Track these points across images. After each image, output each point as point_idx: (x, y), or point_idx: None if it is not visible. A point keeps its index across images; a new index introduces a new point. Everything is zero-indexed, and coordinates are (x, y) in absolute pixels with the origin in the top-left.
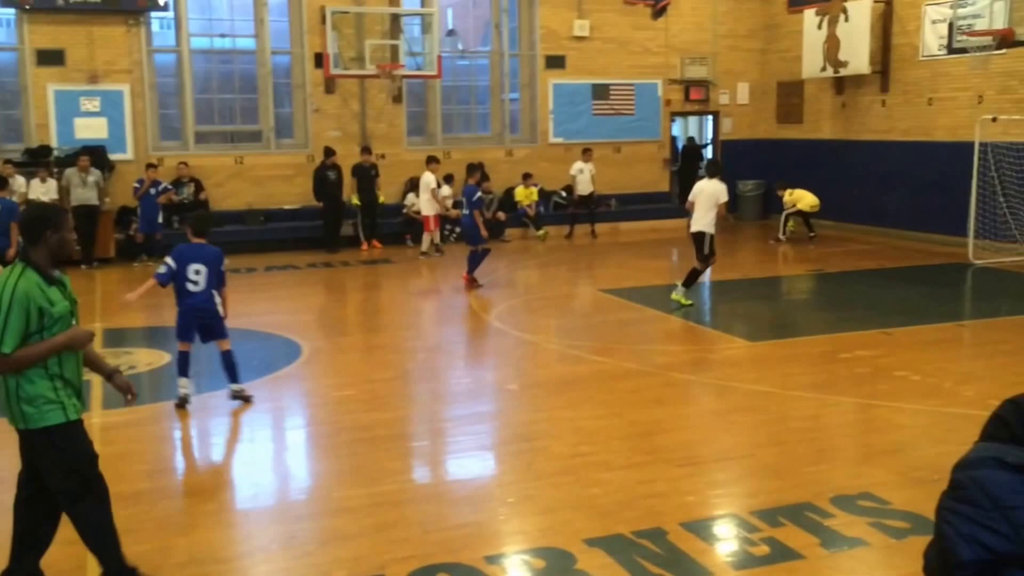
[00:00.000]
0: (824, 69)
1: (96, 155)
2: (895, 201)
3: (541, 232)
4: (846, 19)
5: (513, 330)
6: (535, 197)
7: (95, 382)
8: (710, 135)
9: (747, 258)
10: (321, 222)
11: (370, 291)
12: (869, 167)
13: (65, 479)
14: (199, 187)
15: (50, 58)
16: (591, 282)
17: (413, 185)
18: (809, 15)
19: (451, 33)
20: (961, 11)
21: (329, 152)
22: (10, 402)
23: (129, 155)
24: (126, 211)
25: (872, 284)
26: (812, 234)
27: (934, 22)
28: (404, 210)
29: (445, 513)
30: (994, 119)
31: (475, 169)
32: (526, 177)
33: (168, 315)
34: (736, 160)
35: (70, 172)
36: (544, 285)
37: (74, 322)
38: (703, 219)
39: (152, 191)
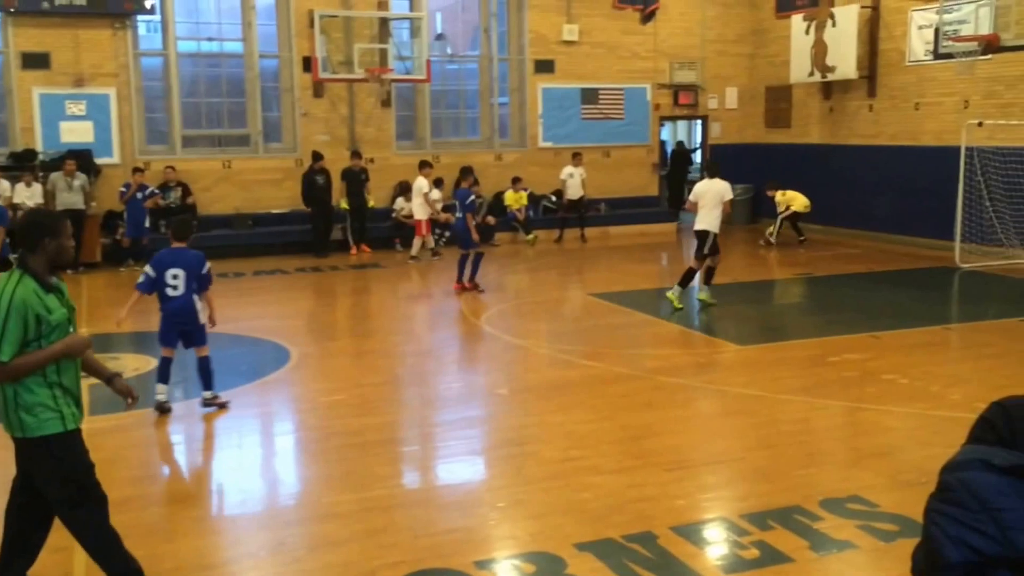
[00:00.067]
0: (812, 74)
1: (82, 159)
2: (883, 205)
3: (531, 236)
4: (833, 24)
5: (503, 334)
6: (524, 201)
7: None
8: (699, 139)
9: (736, 262)
10: (310, 226)
11: (359, 295)
12: (857, 171)
13: (62, 488)
14: (186, 191)
15: (35, 61)
16: (581, 286)
17: (402, 189)
18: (797, 20)
19: (440, 37)
20: (947, 17)
21: (317, 156)
22: (7, 410)
23: (115, 159)
24: (112, 215)
25: (860, 288)
26: (802, 238)
27: (920, 27)
28: (393, 214)
29: (435, 518)
30: (980, 124)
31: (468, 173)
32: (515, 181)
33: (155, 320)
34: (725, 164)
35: (55, 176)
36: (534, 289)
37: (72, 329)
38: (708, 218)
39: (139, 195)
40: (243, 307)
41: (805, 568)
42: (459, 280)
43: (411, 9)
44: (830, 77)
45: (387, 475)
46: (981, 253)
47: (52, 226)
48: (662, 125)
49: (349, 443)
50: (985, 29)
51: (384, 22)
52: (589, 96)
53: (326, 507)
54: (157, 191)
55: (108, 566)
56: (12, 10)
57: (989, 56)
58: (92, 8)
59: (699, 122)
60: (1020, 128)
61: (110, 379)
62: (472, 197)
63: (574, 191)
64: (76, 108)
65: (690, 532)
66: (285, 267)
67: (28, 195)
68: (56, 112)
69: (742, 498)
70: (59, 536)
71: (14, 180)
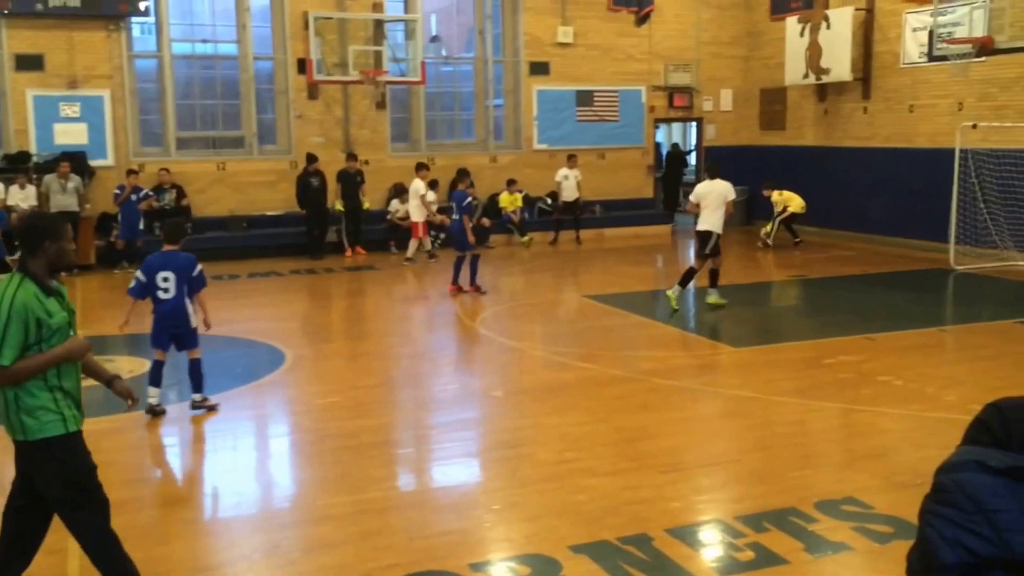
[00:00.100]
0: (806, 76)
1: (76, 161)
2: (877, 207)
3: (526, 238)
4: (828, 27)
5: (498, 336)
6: (520, 203)
7: None
8: (694, 141)
9: (731, 264)
10: (304, 228)
11: (354, 298)
12: (851, 173)
13: (64, 489)
14: (181, 193)
15: (29, 63)
16: (576, 288)
17: (397, 191)
18: (791, 22)
19: (435, 39)
20: (941, 19)
21: (312, 159)
22: (8, 413)
23: (110, 161)
24: (107, 217)
25: (855, 290)
26: (797, 240)
27: (915, 30)
28: (388, 216)
29: (430, 520)
30: (974, 126)
31: (465, 175)
32: (510, 183)
33: (149, 322)
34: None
35: (49, 178)
36: (529, 291)
37: (72, 333)
38: (711, 218)
39: (133, 197)
40: (238, 309)
41: (800, 570)
42: (454, 282)
43: (406, 11)
44: (825, 79)
45: (382, 477)
46: (975, 255)
47: (53, 229)
48: (657, 127)
49: (344, 445)
50: (979, 31)
51: (379, 24)
52: (584, 98)
53: (321, 509)
54: (152, 193)
55: (107, 569)
56: (6, 12)
57: (983, 58)
58: (86, 10)
59: (694, 124)
60: (1014, 130)
61: (110, 381)
62: (469, 199)
63: (569, 193)
64: (70, 110)
65: (685, 534)
66: (280, 269)
67: (22, 197)
68: (50, 114)
69: (737, 500)
70: (54, 538)
71: (8, 182)
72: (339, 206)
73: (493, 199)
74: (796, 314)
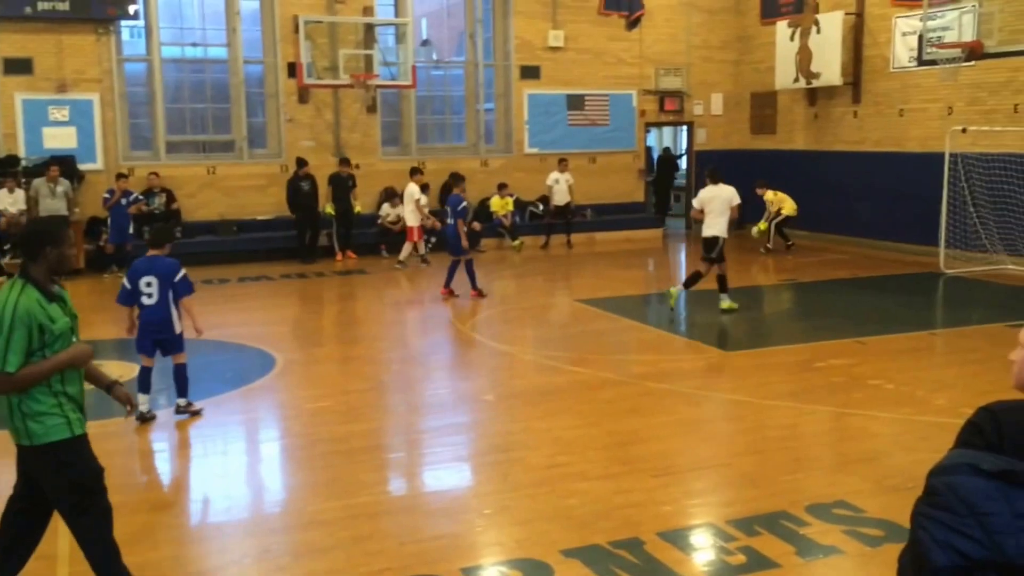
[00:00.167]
0: (797, 80)
1: (65, 165)
2: (867, 211)
3: (517, 242)
4: (818, 31)
5: (489, 341)
6: (511, 207)
7: None
8: (685, 145)
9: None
10: (295, 232)
11: (345, 302)
12: (842, 177)
13: (71, 494)
14: (171, 197)
15: (18, 67)
16: (567, 292)
17: (388, 195)
18: (781, 27)
19: (425, 43)
20: (931, 23)
21: (301, 163)
22: (13, 419)
23: (99, 165)
24: (96, 222)
25: (846, 293)
26: (789, 243)
27: (904, 34)
28: (379, 220)
29: (421, 525)
30: (964, 130)
31: (459, 180)
32: (501, 187)
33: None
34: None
35: (38, 182)
36: (520, 295)
37: (75, 338)
38: (716, 224)
39: (123, 201)
40: (228, 314)
41: (791, 573)
42: (446, 285)
43: (396, 15)
44: (815, 83)
45: (373, 482)
46: (965, 259)
47: (54, 234)
48: (648, 131)
49: (334, 450)
50: (968, 36)
51: (369, 28)
52: (575, 102)
53: (311, 514)
54: (141, 197)
55: None
56: None
57: (972, 63)
58: (75, 13)
59: (684, 128)
60: (1003, 134)
61: (110, 387)
62: (464, 204)
63: (560, 197)
64: (59, 114)
65: (677, 538)
66: (270, 273)
67: (11, 201)
68: (39, 118)
69: (729, 504)
70: (44, 544)
71: None
72: (330, 209)
73: (484, 203)
74: (787, 318)
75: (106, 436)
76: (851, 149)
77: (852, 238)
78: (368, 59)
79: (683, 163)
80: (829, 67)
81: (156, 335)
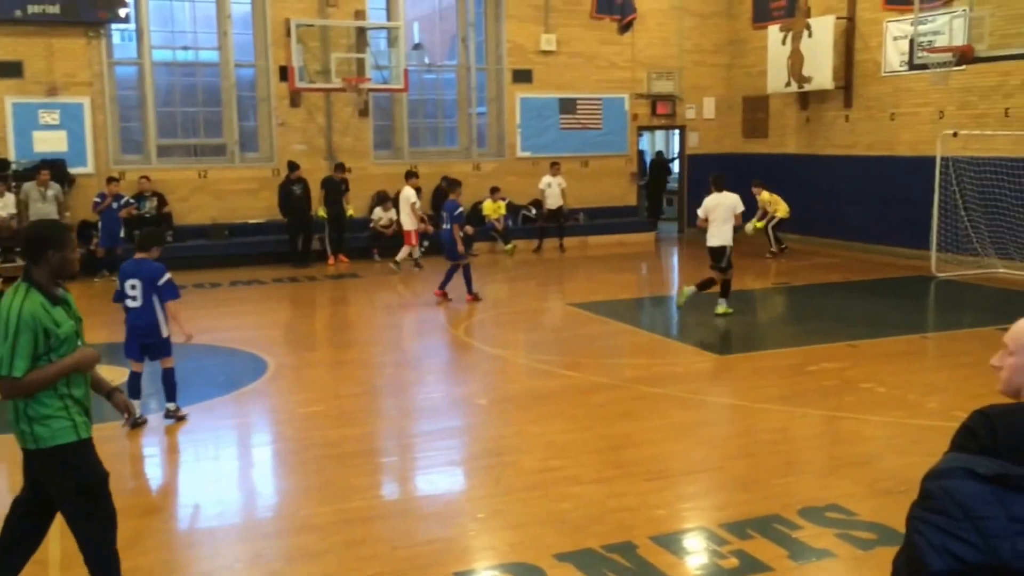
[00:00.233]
0: (788, 84)
1: (56, 169)
2: (859, 215)
3: (509, 246)
4: (810, 35)
5: (482, 344)
6: (503, 211)
7: None
8: (677, 149)
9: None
10: (287, 237)
11: (337, 306)
12: (833, 181)
13: (78, 497)
14: (162, 201)
15: (8, 70)
16: (560, 296)
17: (380, 199)
18: (773, 31)
19: (417, 47)
20: (922, 28)
21: (293, 166)
22: (19, 422)
23: (90, 169)
24: (87, 226)
25: (837, 297)
26: (783, 247)
27: (895, 39)
28: (371, 224)
29: (414, 529)
30: (955, 134)
31: (456, 185)
32: (494, 191)
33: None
34: (703, 174)
35: (29, 186)
36: (513, 299)
37: (80, 342)
38: (720, 232)
39: (114, 205)
40: (220, 318)
41: None
42: (442, 287)
43: (388, 19)
44: (807, 87)
45: (365, 486)
46: (956, 262)
47: (57, 238)
48: (640, 135)
49: (327, 454)
50: (959, 40)
51: (361, 31)
52: (567, 106)
53: (303, 519)
54: (133, 201)
55: None
56: None
57: (963, 67)
58: (66, 16)
59: (677, 132)
60: (994, 138)
61: (110, 393)
62: (460, 209)
63: (553, 201)
64: (49, 117)
65: (670, 542)
66: (262, 277)
67: (1, 206)
68: (29, 121)
69: (721, 507)
70: (38, 550)
71: None
72: (322, 213)
73: (476, 207)
74: (779, 321)
75: (98, 440)
76: (843, 153)
77: (844, 242)
78: (360, 63)
79: (675, 167)
80: (821, 71)
81: (143, 339)
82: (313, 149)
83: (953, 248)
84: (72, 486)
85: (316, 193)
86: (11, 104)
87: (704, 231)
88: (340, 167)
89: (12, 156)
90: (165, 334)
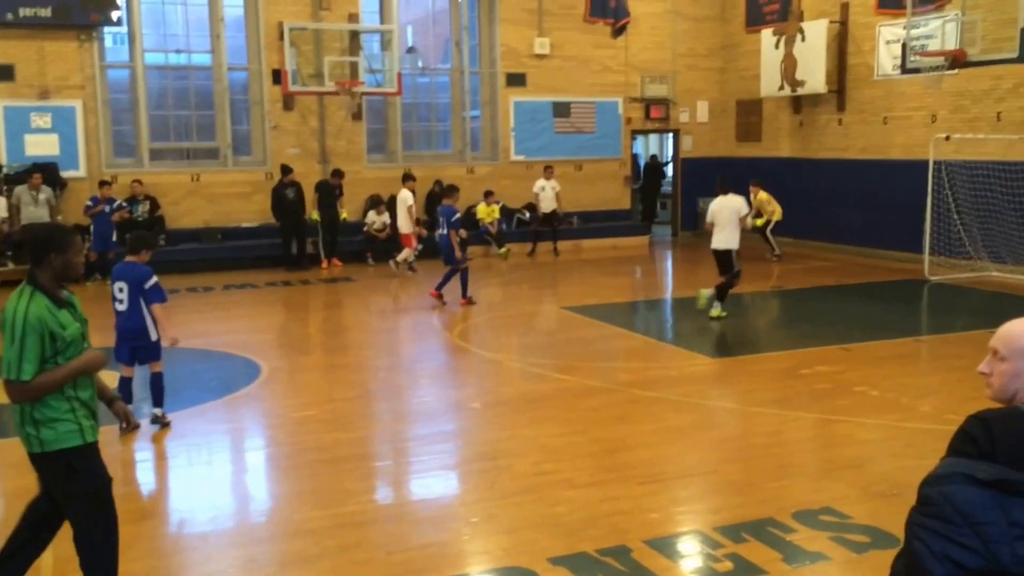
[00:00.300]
0: (782, 88)
1: (47, 172)
2: (852, 218)
3: (503, 250)
4: (803, 39)
5: (476, 348)
6: (497, 215)
7: None
8: (671, 153)
9: (709, 275)
10: (280, 240)
11: (330, 310)
12: (826, 185)
13: (84, 503)
14: (154, 205)
15: None
16: (554, 299)
17: (374, 203)
18: (766, 35)
19: (411, 50)
20: (914, 32)
21: (286, 170)
22: (24, 425)
23: (82, 172)
24: (79, 229)
25: (831, 300)
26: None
27: (888, 42)
28: (365, 228)
29: (408, 533)
30: (947, 138)
31: (453, 190)
32: (488, 195)
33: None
34: (696, 178)
35: (20, 190)
36: (507, 303)
37: (86, 344)
38: (724, 235)
39: (106, 209)
40: (213, 322)
41: None
42: (438, 288)
43: (382, 22)
44: (800, 91)
45: (359, 490)
46: (949, 266)
47: (59, 241)
48: (634, 139)
49: (320, 458)
50: (952, 44)
51: (355, 35)
52: (561, 109)
53: (297, 523)
54: (125, 204)
55: None
56: None
57: (955, 71)
58: (57, 20)
59: (671, 136)
60: (986, 142)
61: (111, 401)
62: (457, 215)
63: (547, 204)
64: (41, 121)
65: (664, 545)
66: (255, 281)
67: None
68: (21, 125)
69: (715, 511)
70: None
71: None
72: (315, 216)
73: (470, 211)
74: (773, 325)
75: None
76: (836, 156)
77: (837, 245)
78: (353, 66)
79: (669, 171)
80: (814, 75)
81: (132, 342)
82: (306, 153)
83: (946, 251)
84: (77, 491)
85: (310, 197)
86: (3, 107)
87: (710, 234)
88: (337, 173)
89: (4, 160)
90: (154, 338)
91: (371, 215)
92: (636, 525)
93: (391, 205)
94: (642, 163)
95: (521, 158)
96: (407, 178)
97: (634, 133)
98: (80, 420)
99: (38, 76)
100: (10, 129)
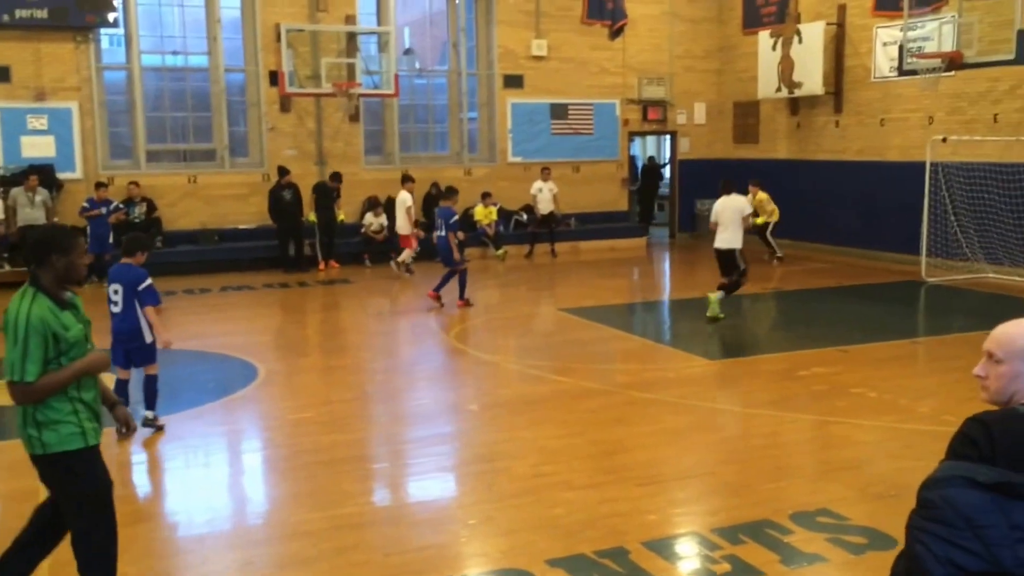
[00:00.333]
0: (779, 90)
1: (44, 174)
2: (850, 220)
3: (501, 252)
4: (800, 41)
5: (473, 350)
6: (494, 216)
7: None
8: (668, 154)
9: (706, 277)
10: (277, 242)
11: (328, 311)
12: (824, 186)
13: (84, 506)
14: (151, 207)
15: None
16: (551, 301)
17: (371, 204)
18: (764, 37)
19: (408, 52)
20: (911, 34)
21: (283, 171)
22: (26, 427)
23: (78, 174)
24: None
25: (828, 302)
26: (776, 254)
27: (885, 44)
28: (362, 229)
29: (406, 535)
30: (944, 139)
31: (452, 192)
32: (485, 196)
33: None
34: (694, 179)
35: (16, 191)
36: (504, 305)
37: (89, 345)
38: (726, 235)
39: (103, 211)
40: (210, 324)
41: None
42: (436, 288)
43: (379, 23)
44: (797, 93)
45: (357, 492)
46: (947, 267)
47: (62, 243)
48: (631, 140)
49: (318, 460)
50: (948, 46)
51: (352, 36)
52: (558, 111)
53: (294, 525)
54: (122, 206)
55: None
56: None
57: (952, 73)
58: (54, 21)
59: (668, 137)
60: (983, 144)
61: (113, 405)
62: (456, 217)
63: (544, 206)
64: (38, 122)
65: (662, 547)
66: (252, 283)
67: None
68: (17, 126)
69: (713, 512)
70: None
71: None
72: (312, 218)
73: (468, 212)
74: (770, 326)
75: None
76: (833, 158)
77: (834, 247)
78: (351, 68)
79: (667, 172)
80: (811, 77)
81: (126, 344)
82: (303, 154)
83: (943, 253)
84: (77, 494)
85: (307, 198)
86: None
87: (713, 234)
88: (336, 176)
89: (0, 161)
90: (148, 340)
91: (368, 217)
92: (634, 527)
93: (388, 207)
94: (639, 165)
95: (518, 160)
96: (406, 179)
97: (631, 135)
98: (83, 423)
99: (34, 77)
100: (6, 131)
